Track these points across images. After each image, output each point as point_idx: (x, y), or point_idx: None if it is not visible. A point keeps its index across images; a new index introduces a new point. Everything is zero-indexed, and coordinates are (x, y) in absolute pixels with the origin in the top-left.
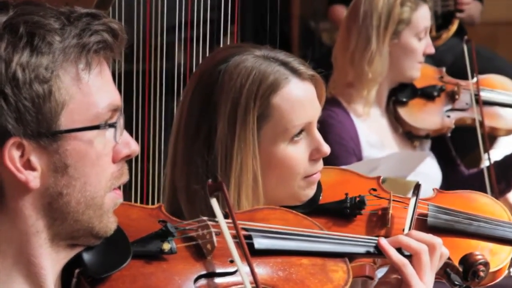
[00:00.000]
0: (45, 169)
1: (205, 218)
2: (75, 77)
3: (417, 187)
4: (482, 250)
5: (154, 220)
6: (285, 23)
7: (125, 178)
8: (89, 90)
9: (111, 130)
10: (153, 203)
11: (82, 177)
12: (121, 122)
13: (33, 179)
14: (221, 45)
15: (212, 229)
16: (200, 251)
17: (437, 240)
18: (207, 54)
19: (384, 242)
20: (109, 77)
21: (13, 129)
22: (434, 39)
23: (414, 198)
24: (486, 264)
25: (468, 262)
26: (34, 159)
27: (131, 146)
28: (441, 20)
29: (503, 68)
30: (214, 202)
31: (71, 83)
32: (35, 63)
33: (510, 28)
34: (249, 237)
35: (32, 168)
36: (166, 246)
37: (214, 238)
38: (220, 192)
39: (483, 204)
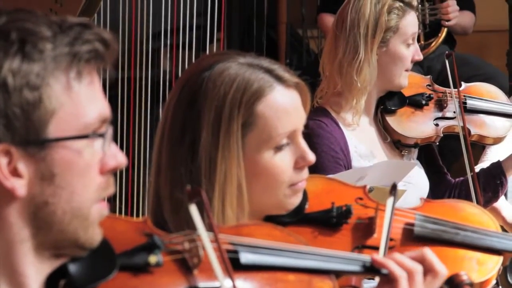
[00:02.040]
0: (32, 177)
1: (191, 231)
2: (66, 85)
3: (394, 187)
4: (469, 260)
5: (140, 233)
6: (272, 30)
7: (111, 190)
8: (79, 100)
9: (100, 140)
10: (137, 213)
11: (69, 187)
12: (109, 133)
13: (19, 187)
14: (207, 52)
15: (199, 243)
16: (186, 264)
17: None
18: (193, 61)
19: (379, 257)
20: (99, 87)
21: (1, 135)
22: (423, 47)
23: (392, 198)
24: (471, 285)
25: (453, 283)
26: (21, 167)
27: (119, 158)
28: (429, 29)
29: (492, 75)
30: (193, 209)
31: (61, 91)
32: (25, 70)
33: (500, 35)
34: (235, 252)
35: (19, 176)
36: (153, 259)
37: (201, 252)
38: (199, 199)
39: (470, 214)
